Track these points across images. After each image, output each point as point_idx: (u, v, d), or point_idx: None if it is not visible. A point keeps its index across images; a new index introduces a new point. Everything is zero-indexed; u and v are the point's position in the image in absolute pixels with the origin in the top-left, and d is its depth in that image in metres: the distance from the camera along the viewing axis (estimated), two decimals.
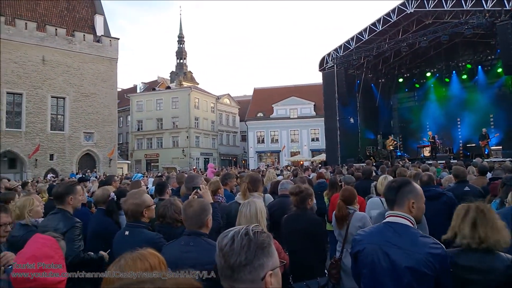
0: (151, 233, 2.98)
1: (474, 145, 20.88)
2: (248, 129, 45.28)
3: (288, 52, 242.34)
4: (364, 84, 25.67)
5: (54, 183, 9.34)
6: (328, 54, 24.79)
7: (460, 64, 25.13)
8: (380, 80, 27.48)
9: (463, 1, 18.16)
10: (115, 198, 4.18)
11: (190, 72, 67.60)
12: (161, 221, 3.31)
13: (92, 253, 3.32)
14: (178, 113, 44.02)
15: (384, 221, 2.21)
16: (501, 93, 22.41)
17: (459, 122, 24.75)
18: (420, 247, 1.98)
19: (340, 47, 23.96)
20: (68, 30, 31.40)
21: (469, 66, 24.40)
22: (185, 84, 54.20)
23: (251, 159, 44.00)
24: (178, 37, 69.66)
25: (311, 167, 15.91)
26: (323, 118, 27.03)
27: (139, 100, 46.81)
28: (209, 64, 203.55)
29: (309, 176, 8.86)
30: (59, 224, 3.16)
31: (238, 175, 7.31)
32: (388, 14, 21.45)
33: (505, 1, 16.95)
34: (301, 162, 32.56)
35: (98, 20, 34.15)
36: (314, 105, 41.78)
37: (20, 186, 9.32)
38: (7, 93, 28.16)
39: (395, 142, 23.38)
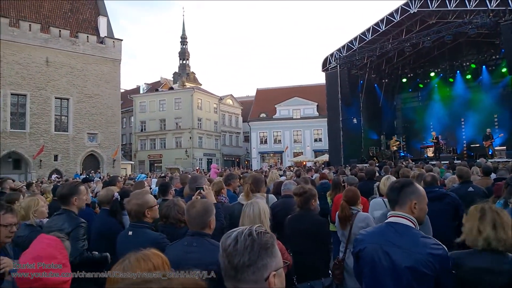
0: (154, 233, 2.99)
1: (478, 145, 20.78)
2: (251, 130, 45.29)
3: (291, 53, 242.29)
4: (368, 84, 25.60)
5: (59, 184, 9.39)
6: (331, 55, 24.75)
7: (464, 64, 25.02)
8: (383, 80, 27.41)
9: (466, 1, 18.07)
10: (119, 199, 4.19)
11: (193, 72, 67.77)
12: (164, 221, 3.32)
13: (96, 253, 3.34)
14: (181, 113, 44.11)
15: (386, 221, 2.23)
16: (505, 93, 22.29)
17: (463, 122, 24.64)
18: (420, 247, 2.00)
19: (343, 47, 23.92)
20: (72, 31, 31.57)
21: (473, 66, 24.29)
22: (188, 85, 54.32)
23: (254, 159, 43.99)
24: (181, 38, 69.91)
25: (314, 167, 15.89)
26: (326, 119, 26.98)
27: (142, 101, 46.96)
28: (212, 65, 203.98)
29: (312, 176, 8.84)
30: (64, 224, 3.18)
31: (241, 175, 7.32)
32: (391, 14, 21.39)
33: (509, 1, 16.85)
34: (304, 163, 32.53)
35: (102, 21, 34.32)
36: (317, 105, 41.71)
37: (24, 187, 9.39)
38: (12, 94, 28.35)
39: (399, 143, 23.31)
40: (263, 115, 44.75)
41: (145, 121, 46.07)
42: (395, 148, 21.95)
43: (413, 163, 15.48)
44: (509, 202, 3.54)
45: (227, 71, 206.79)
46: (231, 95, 51.92)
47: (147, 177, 13.95)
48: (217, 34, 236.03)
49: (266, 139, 44.68)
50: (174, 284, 0.87)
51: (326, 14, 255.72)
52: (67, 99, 31.10)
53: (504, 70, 21.31)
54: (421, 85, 27.21)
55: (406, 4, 20.62)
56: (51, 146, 29.73)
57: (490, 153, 17.82)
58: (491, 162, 10.52)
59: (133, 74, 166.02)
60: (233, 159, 49.91)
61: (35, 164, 28.64)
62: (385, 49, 21.80)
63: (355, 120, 23.84)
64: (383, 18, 21.77)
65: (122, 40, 34.79)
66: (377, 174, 7.52)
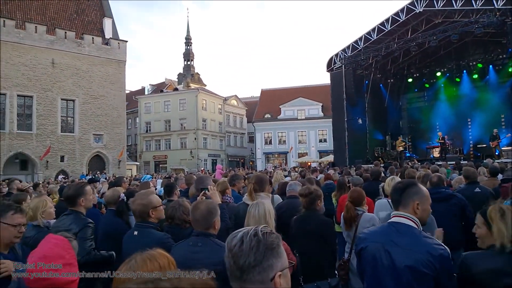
0: (159, 233, 3.01)
1: (484, 146, 20.61)
2: (255, 130, 45.29)
3: (295, 53, 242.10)
4: (373, 84, 25.49)
5: (65, 184, 9.45)
6: (336, 55, 24.68)
7: (470, 64, 24.84)
8: (389, 80, 27.28)
9: (473, 0, 17.93)
10: (125, 199, 4.22)
11: (197, 73, 67.96)
12: (169, 222, 3.34)
13: (103, 252, 3.36)
14: (186, 114, 44.24)
15: (389, 221, 2.25)
16: None
17: (469, 123, 24.45)
18: (420, 247, 2.01)
19: (348, 47, 23.84)
20: (77, 33, 31.81)
21: (480, 65, 24.09)
22: (192, 85, 54.50)
23: (258, 160, 43.98)
24: (185, 38, 70.19)
25: (319, 168, 15.86)
26: (331, 119, 26.89)
27: (147, 102, 47.17)
28: (216, 66, 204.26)
29: (317, 177, 8.82)
30: (71, 224, 3.20)
31: (246, 176, 7.32)
32: (396, 14, 21.28)
33: None
34: (309, 163, 32.48)
35: (107, 23, 34.55)
36: (322, 106, 41.62)
37: (31, 187, 9.46)
38: (18, 95, 28.61)
39: (405, 143, 23.19)
40: (267, 115, 44.73)
41: (150, 122, 46.27)
42: (401, 148, 21.84)
43: (419, 163, 15.39)
44: None
45: (232, 72, 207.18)
46: (236, 95, 51.98)
47: (152, 178, 14.01)
48: (222, 35, 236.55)
49: (271, 139, 44.65)
50: (184, 283, 0.88)
51: (331, 14, 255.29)
52: (73, 101, 31.33)
53: (511, 69, 21.13)
54: (427, 85, 27.04)
55: (411, 4, 20.49)
56: (57, 147, 29.97)
57: (497, 153, 17.67)
58: (498, 162, 10.43)
59: (138, 75, 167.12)
60: (238, 159, 49.95)
61: (42, 165, 28.88)
62: (390, 49, 21.69)
63: (360, 121, 23.74)
64: (389, 18, 21.65)
65: (127, 41, 35.04)
66: (382, 174, 7.48)
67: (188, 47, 69.61)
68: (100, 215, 4.74)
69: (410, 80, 27.11)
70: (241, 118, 52.02)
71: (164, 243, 2.68)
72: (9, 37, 27.77)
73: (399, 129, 27.83)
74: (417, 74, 27.08)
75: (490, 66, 23.46)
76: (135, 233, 2.99)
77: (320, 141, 42.30)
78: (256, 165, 42.58)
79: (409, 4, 20.58)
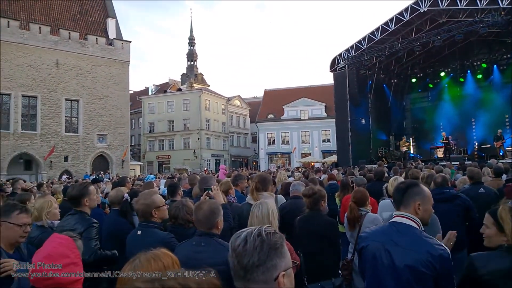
0: (163, 232, 3.02)
1: (489, 146, 20.48)
2: (258, 131, 45.28)
3: (298, 53, 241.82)
4: (376, 84, 25.41)
5: (69, 184, 9.50)
6: (340, 55, 24.63)
7: (475, 64, 24.72)
8: (392, 81, 27.18)
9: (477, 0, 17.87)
10: (129, 199, 4.23)
11: (200, 74, 68.06)
12: (173, 222, 3.34)
13: (108, 251, 3.38)
14: (189, 115, 44.31)
15: (390, 220, 2.27)
16: None
17: (473, 123, 24.33)
18: (420, 247, 2.02)
19: (351, 47, 23.78)
20: (81, 33, 31.94)
21: (484, 65, 23.97)
22: (196, 86, 54.55)
23: (262, 160, 43.97)
24: (189, 39, 70.31)
25: (322, 168, 15.83)
26: (334, 119, 26.82)
27: (151, 102, 47.30)
28: (220, 66, 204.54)
29: (320, 177, 8.81)
30: (76, 224, 3.21)
31: (249, 176, 7.32)
32: (400, 13, 21.18)
33: None
34: (312, 164, 32.44)
35: (110, 23, 34.68)
36: (325, 106, 41.54)
37: (35, 187, 9.51)
38: (23, 96, 28.77)
39: (408, 144, 23.11)
40: (271, 116, 44.71)
41: (153, 122, 46.40)
42: (405, 148, 21.75)
43: (423, 164, 15.33)
44: None
45: (235, 72, 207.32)
46: (239, 96, 52.00)
47: (156, 178, 14.04)
48: (225, 35, 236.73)
49: (274, 140, 44.63)
50: (190, 281, 0.89)
51: (335, 14, 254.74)
52: (77, 101, 31.46)
53: None
54: (431, 85, 26.94)
55: (416, 3, 20.39)
56: (61, 147, 30.10)
57: (501, 153, 17.56)
58: (502, 163, 10.37)
59: (141, 76, 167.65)
60: (241, 160, 49.97)
61: (46, 165, 29.01)
62: (394, 49, 21.60)
63: (363, 121, 23.67)
64: (393, 17, 21.56)
65: (130, 42, 35.11)
66: (386, 175, 7.46)
67: (192, 48, 69.74)
68: (104, 215, 4.75)
69: (414, 80, 27.01)
70: (244, 118, 52.04)
71: (168, 243, 2.69)
72: (14, 37, 27.93)
73: (402, 129, 27.74)
74: (421, 74, 26.97)
75: (495, 66, 23.34)
76: (139, 232, 3.01)
77: (324, 141, 42.23)
78: (259, 165, 42.56)
79: (414, 3, 20.48)
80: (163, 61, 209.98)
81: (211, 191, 3.51)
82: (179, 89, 50.84)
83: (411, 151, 24.79)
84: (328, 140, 41.10)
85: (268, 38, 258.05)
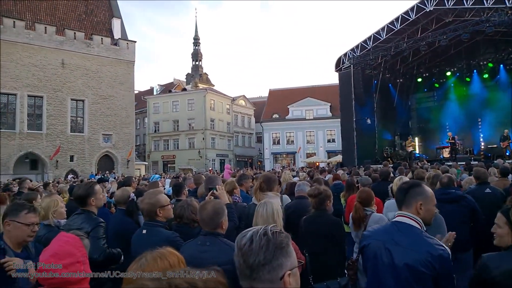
0: (168, 231, 3.03)
1: (495, 146, 20.33)
2: (263, 131, 45.26)
3: (303, 53, 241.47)
4: (382, 84, 25.30)
5: (75, 184, 9.56)
6: (345, 54, 24.55)
7: (481, 63, 24.53)
8: (398, 80, 27.06)
9: None
10: (135, 199, 4.25)
11: (205, 73, 68.09)
12: (178, 221, 3.36)
13: (115, 249, 3.40)
14: (194, 114, 44.41)
15: (392, 220, 2.29)
16: None
17: (480, 123, 24.16)
18: (421, 247, 2.03)
19: (357, 47, 23.70)
20: (87, 33, 32.09)
21: (490, 64, 23.79)
22: (200, 86, 54.65)
23: (266, 160, 43.94)
24: (194, 39, 70.36)
25: (327, 168, 15.79)
26: (339, 119, 26.75)
27: (156, 102, 47.45)
28: (224, 66, 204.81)
29: (325, 177, 8.79)
30: (83, 223, 3.22)
31: (254, 176, 7.32)
32: (406, 13, 21.07)
33: None
34: (317, 164, 32.37)
35: (116, 23, 34.81)
36: (330, 106, 41.42)
37: (41, 187, 9.59)
38: (28, 96, 28.96)
39: (414, 144, 22.99)
40: (275, 115, 44.67)
41: (158, 122, 46.55)
42: (411, 148, 21.64)
43: (429, 164, 15.24)
44: None
45: (240, 72, 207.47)
46: (244, 95, 52.01)
47: (161, 178, 14.10)
48: (230, 35, 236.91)
49: (279, 139, 44.58)
50: (196, 280, 0.89)
51: (340, 14, 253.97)
52: (83, 101, 31.63)
53: None
54: (436, 85, 26.78)
55: (421, 2, 20.27)
56: (67, 147, 30.27)
57: (507, 154, 17.42)
58: (508, 163, 10.30)
59: (146, 76, 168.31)
60: (246, 159, 49.99)
61: (52, 164, 29.20)
62: (400, 48, 21.48)
63: (369, 121, 23.58)
64: (398, 17, 21.45)
65: (135, 41, 35.21)
66: (391, 175, 7.43)
67: (196, 47, 69.79)
68: (109, 214, 4.78)
69: (419, 79, 26.87)
70: (249, 118, 52.04)
71: (173, 241, 2.70)
72: (19, 38, 28.13)
73: (408, 129, 27.61)
74: (427, 74, 26.82)
75: (501, 65, 23.16)
76: (144, 231, 3.02)
77: (329, 141, 42.11)
78: (264, 165, 42.56)
79: (419, 2, 20.36)
80: (168, 61, 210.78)
81: (216, 190, 3.52)
82: (184, 89, 50.96)
83: (417, 151, 24.66)
84: (333, 140, 40.99)
85: (272, 38, 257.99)
